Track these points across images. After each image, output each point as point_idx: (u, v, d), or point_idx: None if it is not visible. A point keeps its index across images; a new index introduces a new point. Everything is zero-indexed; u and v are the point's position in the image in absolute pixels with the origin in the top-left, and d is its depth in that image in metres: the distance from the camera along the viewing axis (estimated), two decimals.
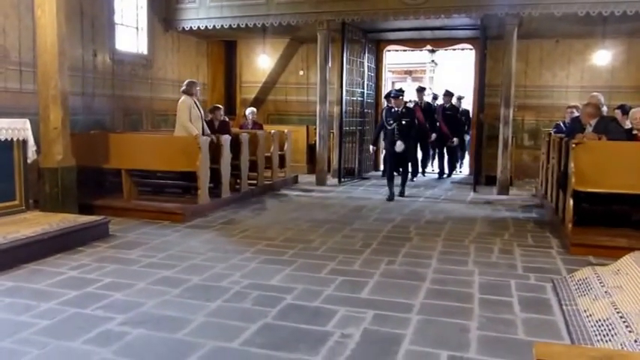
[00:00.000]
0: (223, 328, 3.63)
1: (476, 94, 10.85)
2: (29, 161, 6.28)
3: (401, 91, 9.67)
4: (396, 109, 8.84)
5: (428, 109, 11.80)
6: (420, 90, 11.95)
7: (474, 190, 9.92)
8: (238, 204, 8.23)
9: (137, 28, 10.64)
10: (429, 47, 12.87)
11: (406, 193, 9.33)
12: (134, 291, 4.34)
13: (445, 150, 12.06)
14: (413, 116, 8.98)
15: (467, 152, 13.11)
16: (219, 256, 5.40)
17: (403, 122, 8.70)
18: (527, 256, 5.56)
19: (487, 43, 10.07)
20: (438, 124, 11.83)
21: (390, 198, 8.85)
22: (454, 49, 12.42)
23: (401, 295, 4.32)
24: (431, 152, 12.60)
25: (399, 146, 8.70)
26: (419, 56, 16.11)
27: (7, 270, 4.77)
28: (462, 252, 5.71)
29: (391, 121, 8.77)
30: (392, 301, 4.19)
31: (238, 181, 8.74)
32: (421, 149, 11.95)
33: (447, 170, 12.24)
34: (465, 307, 4.08)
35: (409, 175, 10.19)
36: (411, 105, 10.26)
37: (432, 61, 12.58)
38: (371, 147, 10.21)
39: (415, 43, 12.12)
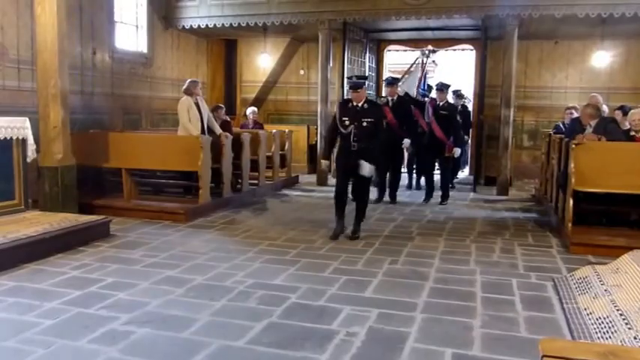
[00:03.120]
0: (229, 327, 3.63)
1: (476, 95, 10.87)
2: (28, 160, 6.24)
3: (393, 80, 8.72)
4: (355, 104, 6.13)
5: (462, 112, 10.14)
6: (443, 88, 8.86)
7: (474, 191, 9.96)
8: (240, 204, 8.22)
9: (137, 26, 10.61)
10: (430, 47, 12.87)
11: (397, 198, 8.64)
12: (138, 290, 4.34)
13: (440, 162, 9.12)
14: (379, 116, 6.33)
15: (464, 162, 11.94)
16: (222, 255, 5.40)
17: (364, 123, 6.02)
18: (528, 256, 5.61)
19: (488, 44, 10.09)
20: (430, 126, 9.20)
21: (336, 235, 6.19)
22: (455, 50, 12.44)
23: (405, 294, 4.34)
24: (405, 170, 10.22)
25: (366, 170, 6.03)
26: (415, 57, 16.11)
27: (9, 270, 4.76)
28: (464, 251, 5.74)
29: (347, 122, 6.11)
30: (396, 299, 4.21)
31: (239, 180, 8.73)
32: (392, 167, 8.65)
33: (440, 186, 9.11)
34: (468, 306, 4.11)
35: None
36: (384, 101, 8.57)
37: (433, 61, 12.41)
38: (322, 162, 6.95)
39: (416, 43, 12.13)
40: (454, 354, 3.28)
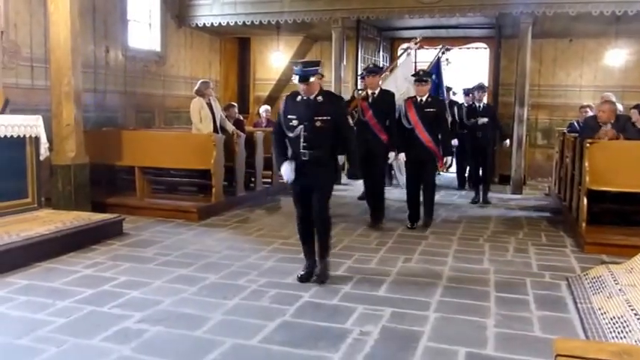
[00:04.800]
0: (242, 325, 3.63)
1: (490, 94, 10.80)
2: (41, 158, 6.24)
3: (375, 68, 7.12)
4: (305, 97, 4.49)
5: (487, 109, 8.61)
6: (480, 88, 8.53)
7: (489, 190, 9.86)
8: (253, 202, 8.21)
9: (149, 25, 10.65)
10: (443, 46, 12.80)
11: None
12: (151, 289, 4.34)
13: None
14: (339, 112, 4.58)
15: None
16: (235, 254, 5.40)
17: (317, 123, 4.42)
18: (542, 255, 5.57)
19: (501, 42, 10.02)
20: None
21: (307, 276, 4.61)
22: (468, 48, 12.36)
23: (418, 292, 4.32)
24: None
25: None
26: (432, 54, 16.02)
27: (22, 268, 4.77)
28: (478, 250, 5.71)
29: (294, 121, 4.47)
30: (409, 298, 4.18)
31: (253, 179, 8.73)
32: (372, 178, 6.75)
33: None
34: (482, 305, 4.09)
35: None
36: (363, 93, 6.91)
37: (447, 59, 12.27)
38: (282, 169, 4.62)
39: (429, 42, 12.07)
40: (468, 353, 3.26)
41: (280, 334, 3.51)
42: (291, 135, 4.52)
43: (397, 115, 6.64)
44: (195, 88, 7.93)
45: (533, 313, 3.96)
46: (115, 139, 7.86)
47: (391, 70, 9.00)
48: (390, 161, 6.89)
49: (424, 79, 6.56)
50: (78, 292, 4.22)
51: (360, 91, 7.10)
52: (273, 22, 10.49)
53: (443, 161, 6.70)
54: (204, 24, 10.99)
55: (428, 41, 11.96)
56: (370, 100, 6.66)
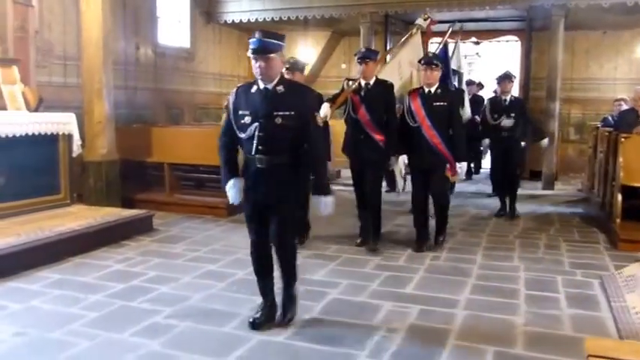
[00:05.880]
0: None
1: (521, 87, 10.62)
2: (74, 155, 6.34)
3: (369, 53, 5.55)
4: (263, 86, 3.46)
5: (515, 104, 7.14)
6: (506, 78, 7.15)
7: (519, 186, 9.69)
8: None
9: (179, 21, 10.74)
10: (473, 39, 12.63)
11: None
12: (180, 284, 4.39)
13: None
14: (306, 107, 3.55)
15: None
16: None
17: (277, 119, 3.40)
18: (574, 252, 5.47)
19: (532, 35, 9.84)
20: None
21: (260, 321, 3.56)
22: (499, 41, 12.17)
23: (446, 290, 4.28)
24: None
25: (324, 208, 3.67)
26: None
27: (54, 263, 4.87)
28: (507, 247, 5.63)
29: (247, 118, 3.46)
30: (437, 296, 4.15)
31: None
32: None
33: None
34: (511, 303, 4.03)
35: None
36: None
37: (476, 53, 12.07)
38: (227, 187, 3.69)
39: (458, 35, 11.91)
40: (496, 352, 3.22)
41: (307, 330, 3.52)
42: (242, 136, 3.47)
43: (400, 109, 5.51)
44: None
45: (564, 311, 3.89)
46: (144, 136, 7.93)
47: (393, 54, 7.41)
48: (390, 168, 5.80)
49: (434, 62, 5.29)
50: (109, 287, 4.29)
51: (350, 82, 5.63)
52: (301, 18, 10.49)
53: (455, 168, 5.34)
54: (233, 20, 11.04)
55: (455, 35, 11.78)
56: (363, 92, 5.39)
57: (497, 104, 7.21)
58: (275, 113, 3.39)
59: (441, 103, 5.27)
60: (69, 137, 6.23)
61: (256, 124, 3.41)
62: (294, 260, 3.74)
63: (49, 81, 7.66)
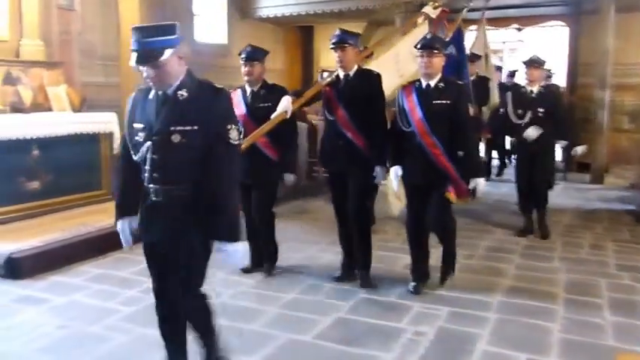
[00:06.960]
0: (297, 320, 3.65)
1: (569, 74, 10.24)
2: (115, 152, 6.45)
3: (347, 36, 4.19)
4: (160, 91, 2.55)
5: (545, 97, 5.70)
6: (533, 63, 5.68)
7: (564, 179, 9.35)
8: (313, 193, 8.07)
9: (215, 18, 10.86)
10: (515, 25, 12.24)
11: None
12: (211, 281, 4.40)
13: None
14: (214, 118, 2.49)
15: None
16: (294, 246, 5.38)
17: (173, 136, 2.46)
18: (622, 253, 5.19)
19: (580, 19, 9.44)
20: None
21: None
22: (543, 27, 11.75)
23: (479, 292, 4.17)
24: None
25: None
26: (498, 35, 15.35)
27: (95, 257, 4.98)
28: (548, 247, 5.42)
29: (140, 134, 2.56)
30: (469, 298, 4.05)
31: (315, 168, 8.68)
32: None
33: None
34: (548, 308, 3.89)
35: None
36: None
37: (520, 40, 11.60)
38: (118, 226, 2.86)
39: (498, 22, 11.54)
40: None
41: (334, 330, 3.50)
42: (136, 158, 2.57)
43: (395, 113, 4.24)
44: None
45: (606, 319, 3.71)
46: None
47: (390, 43, 5.93)
48: (376, 180, 4.30)
49: (436, 46, 4.00)
50: (144, 282, 4.34)
51: (325, 74, 4.71)
52: (336, 10, 10.41)
53: (462, 188, 4.06)
54: (268, 15, 11.11)
55: (495, 22, 11.35)
56: (341, 85, 4.23)
57: (522, 96, 5.73)
58: (172, 128, 2.46)
59: (443, 101, 3.98)
60: (110, 135, 6.43)
61: (149, 142, 2.50)
62: (210, 321, 2.91)
63: (91, 81, 7.81)
